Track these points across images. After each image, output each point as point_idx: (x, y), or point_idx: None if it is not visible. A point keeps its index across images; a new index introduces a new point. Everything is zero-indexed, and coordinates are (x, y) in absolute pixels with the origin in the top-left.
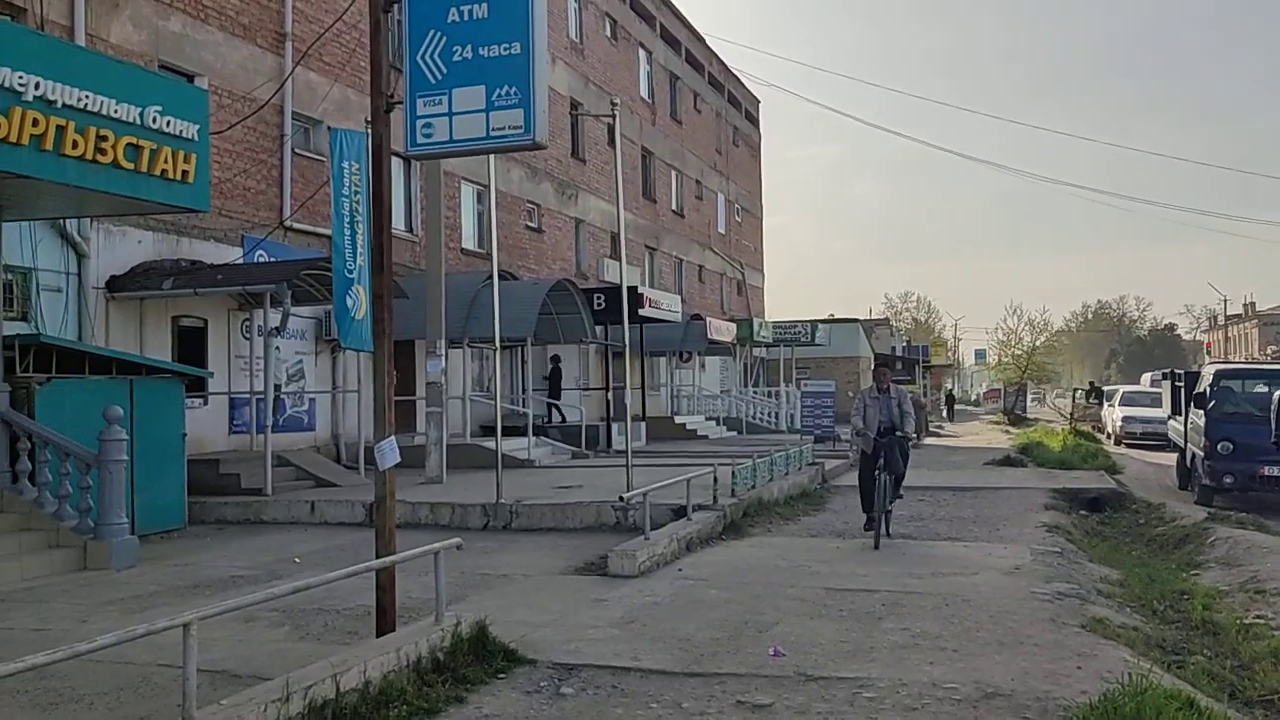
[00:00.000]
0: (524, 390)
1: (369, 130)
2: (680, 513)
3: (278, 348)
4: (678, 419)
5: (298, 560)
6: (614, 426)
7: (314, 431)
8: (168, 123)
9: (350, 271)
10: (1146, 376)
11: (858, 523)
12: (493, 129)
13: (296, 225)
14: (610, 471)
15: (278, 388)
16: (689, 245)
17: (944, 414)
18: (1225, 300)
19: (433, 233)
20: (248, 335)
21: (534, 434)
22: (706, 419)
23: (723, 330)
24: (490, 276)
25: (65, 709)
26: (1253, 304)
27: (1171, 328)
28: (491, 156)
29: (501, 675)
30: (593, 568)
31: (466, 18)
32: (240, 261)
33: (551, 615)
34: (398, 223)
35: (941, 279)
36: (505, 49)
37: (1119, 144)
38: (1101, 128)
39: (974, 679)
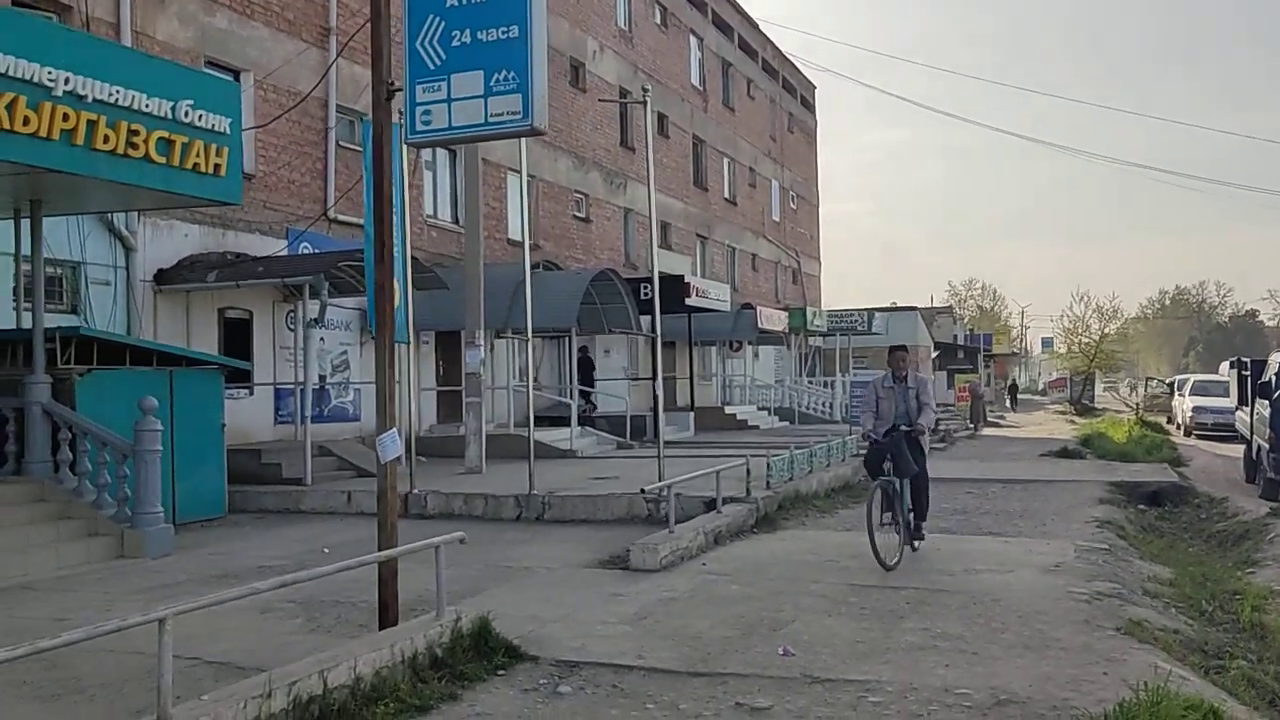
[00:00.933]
0: (570, 381)
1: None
2: (712, 505)
3: (322, 339)
4: (728, 409)
5: (326, 550)
6: (661, 417)
7: (359, 422)
8: (200, 116)
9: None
10: (1224, 365)
11: None
12: (491, 114)
13: (341, 218)
14: (651, 463)
15: (322, 378)
16: (742, 233)
17: (1007, 403)
18: None
19: (470, 223)
20: (292, 327)
21: (579, 424)
22: (758, 409)
23: (774, 319)
24: (535, 266)
25: (66, 700)
26: None
27: (1254, 314)
28: (523, 141)
29: (501, 672)
30: (617, 561)
31: (465, 1)
32: (284, 254)
33: (564, 610)
34: (444, 213)
35: (1009, 266)
36: (503, 33)
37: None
38: (1179, 109)
39: (990, 684)
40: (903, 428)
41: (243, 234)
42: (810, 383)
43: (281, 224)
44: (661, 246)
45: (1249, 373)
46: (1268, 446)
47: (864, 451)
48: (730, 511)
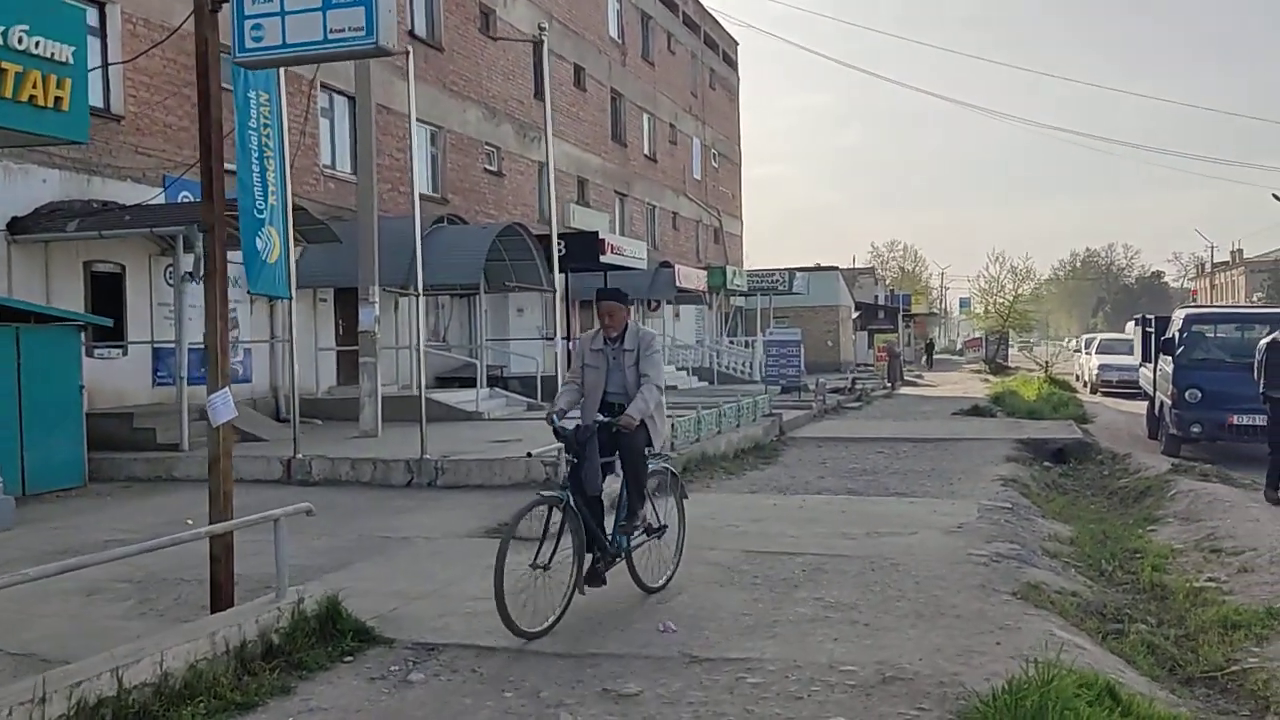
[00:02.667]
0: (481, 341)
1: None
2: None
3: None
4: None
5: (190, 522)
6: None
7: (250, 384)
8: (36, 43)
9: (260, 211)
10: (1130, 324)
11: (805, 478)
12: (331, 30)
13: (229, 166)
14: None
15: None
16: (662, 191)
17: (924, 362)
18: (1213, 248)
19: (363, 170)
20: (171, 282)
21: (490, 385)
22: (677, 369)
23: (693, 278)
24: (440, 221)
25: None
26: (1240, 251)
27: (1159, 275)
28: (412, 80)
29: (348, 659)
30: (505, 529)
31: None
32: (161, 203)
33: (435, 585)
34: (343, 164)
35: (931, 229)
36: None
37: (1118, 88)
38: (1099, 72)
39: (877, 659)
40: (600, 420)
41: (111, 181)
42: (731, 343)
43: (157, 171)
44: (579, 203)
45: (1153, 330)
46: (1170, 403)
47: (775, 413)
48: None
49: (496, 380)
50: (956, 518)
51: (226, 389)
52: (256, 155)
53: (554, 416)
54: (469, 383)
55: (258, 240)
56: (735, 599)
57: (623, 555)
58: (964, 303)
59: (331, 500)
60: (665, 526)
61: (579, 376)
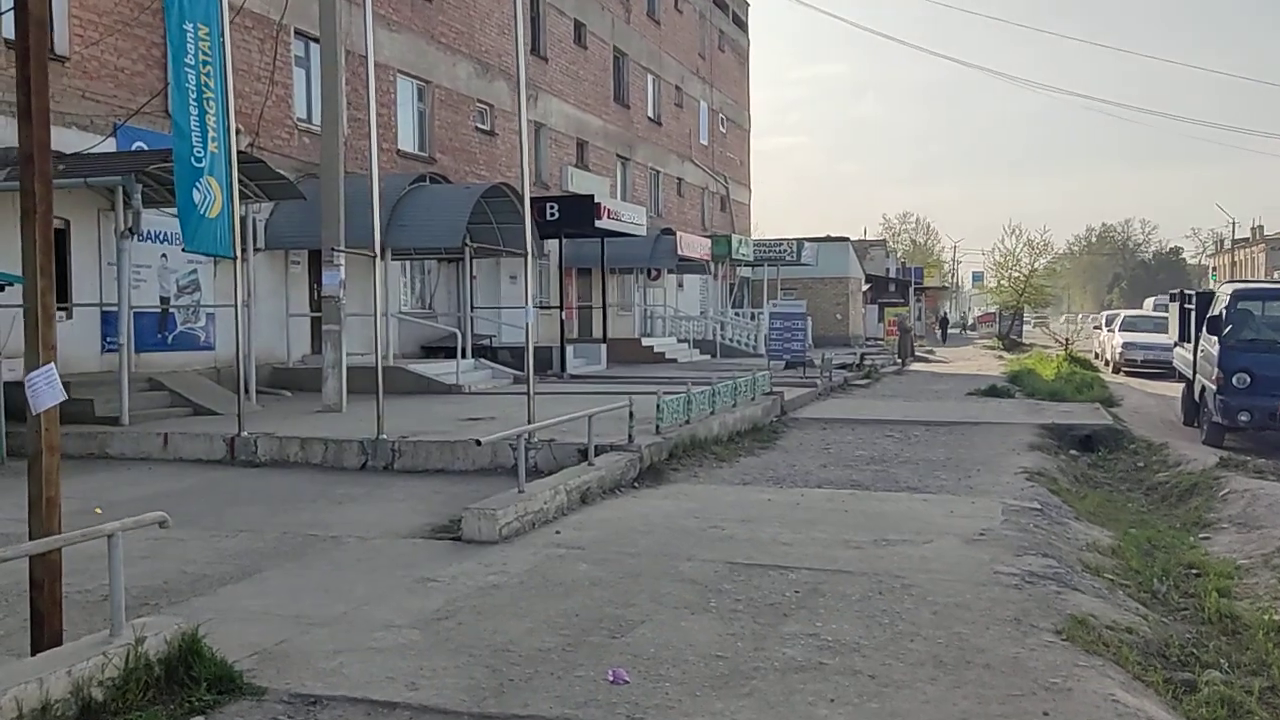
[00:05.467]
0: (470, 309)
1: None
2: (588, 454)
3: (164, 255)
4: (645, 341)
5: (99, 511)
6: (569, 349)
7: (213, 351)
8: None
9: (199, 159)
10: (1149, 301)
11: (805, 466)
12: None
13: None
14: (547, 400)
15: (165, 300)
16: (666, 156)
17: (939, 337)
18: (1234, 223)
19: (328, 121)
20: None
21: (476, 355)
22: (678, 342)
23: (695, 246)
24: (422, 179)
25: None
26: (1260, 227)
27: (1177, 251)
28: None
29: (198, 719)
30: (452, 528)
31: None
32: (102, 152)
33: (345, 606)
34: (319, 118)
35: (945, 202)
36: None
37: (1140, 52)
38: (1124, 38)
39: None
40: None
41: (56, 129)
42: (736, 315)
43: (107, 118)
44: (578, 166)
45: (1193, 307)
46: (1214, 387)
47: (776, 391)
48: (606, 463)
49: (485, 351)
50: (978, 521)
51: (51, 365)
52: (195, 97)
53: None
54: (455, 352)
55: (194, 192)
56: (709, 632)
57: None
58: (977, 277)
59: (270, 486)
60: None
61: None
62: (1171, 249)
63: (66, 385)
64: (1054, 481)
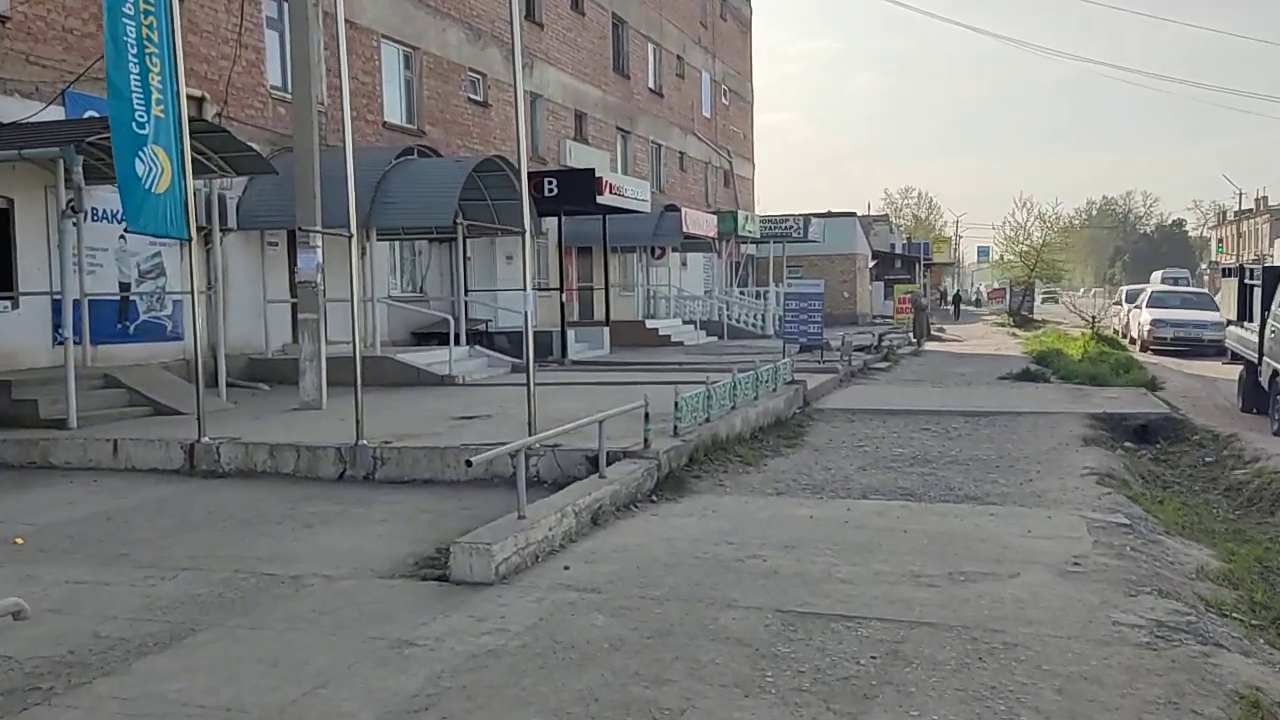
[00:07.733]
0: (463, 292)
1: None
2: (598, 464)
3: (123, 237)
4: (650, 324)
5: (19, 542)
6: (570, 334)
7: (182, 342)
8: None
9: (140, 125)
10: (1157, 275)
11: (842, 469)
12: None
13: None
14: (548, 392)
15: (125, 287)
16: (668, 129)
17: (953, 314)
18: (1240, 194)
19: (299, 89)
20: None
21: (471, 341)
22: (683, 323)
23: (701, 223)
24: (409, 152)
25: None
26: (1264, 198)
27: (1180, 224)
28: None
29: None
30: (440, 560)
31: None
32: (44, 121)
33: (296, 690)
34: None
35: (942, 176)
36: None
37: (1146, 12)
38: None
39: None
40: None
41: None
42: (741, 294)
43: (55, 85)
44: (577, 139)
45: (1257, 282)
46: None
47: (799, 379)
48: (619, 474)
49: (481, 336)
50: (1063, 543)
51: None
52: (135, 53)
53: None
54: (449, 339)
55: (137, 163)
56: None
57: None
58: (983, 251)
59: (230, 503)
60: None
61: None
62: (1174, 221)
63: (8, 383)
64: (1126, 485)
